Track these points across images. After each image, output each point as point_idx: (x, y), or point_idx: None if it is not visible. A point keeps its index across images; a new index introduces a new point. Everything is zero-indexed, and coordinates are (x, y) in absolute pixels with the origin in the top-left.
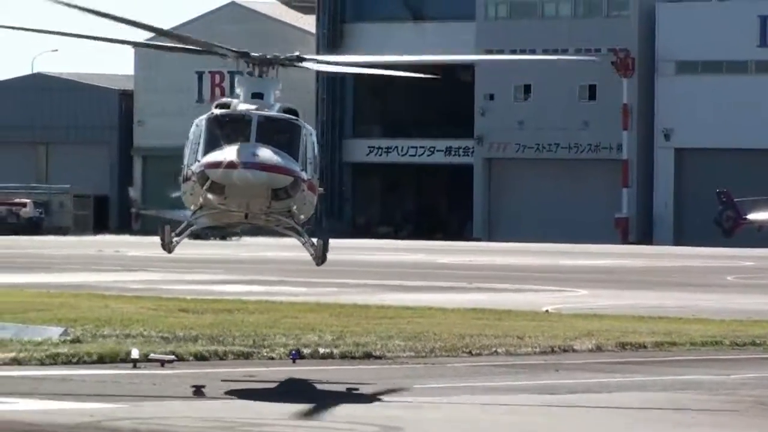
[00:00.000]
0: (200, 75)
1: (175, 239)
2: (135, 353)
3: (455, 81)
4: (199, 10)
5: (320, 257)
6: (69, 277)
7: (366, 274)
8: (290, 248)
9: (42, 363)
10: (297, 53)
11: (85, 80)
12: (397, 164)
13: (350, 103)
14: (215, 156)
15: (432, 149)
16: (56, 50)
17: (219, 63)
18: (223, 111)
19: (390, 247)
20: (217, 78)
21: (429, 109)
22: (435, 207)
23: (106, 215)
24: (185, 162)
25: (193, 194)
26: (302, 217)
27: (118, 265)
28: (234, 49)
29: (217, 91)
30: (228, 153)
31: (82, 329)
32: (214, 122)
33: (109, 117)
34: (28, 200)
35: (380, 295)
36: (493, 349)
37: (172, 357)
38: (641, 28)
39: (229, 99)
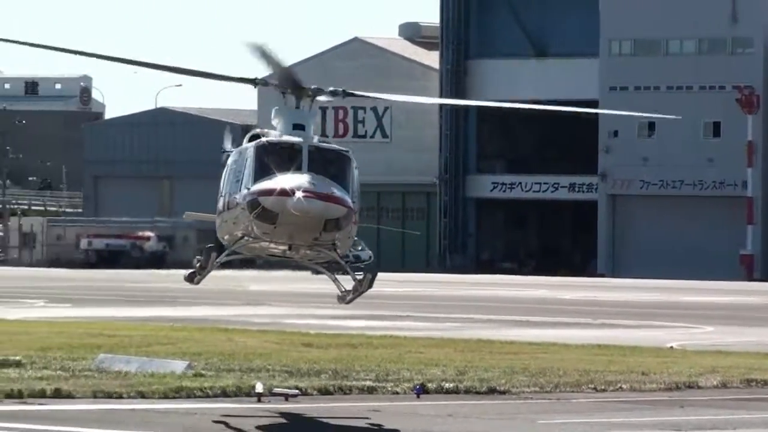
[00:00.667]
0: (324, 110)
1: (209, 271)
2: (259, 387)
3: (579, 117)
4: (321, 46)
5: (361, 292)
6: (193, 310)
7: (490, 310)
8: (411, 284)
9: (166, 396)
10: (342, 89)
11: (207, 114)
12: (521, 200)
13: (473, 139)
14: (269, 184)
15: (556, 185)
16: (180, 85)
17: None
18: (273, 139)
19: (514, 283)
20: (341, 113)
21: (552, 145)
22: (558, 243)
23: None
24: (225, 191)
25: (236, 223)
26: (341, 250)
27: (242, 299)
28: (275, 82)
29: (341, 126)
30: (283, 181)
31: (206, 363)
32: (263, 150)
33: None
34: (152, 234)
35: (504, 330)
36: (618, 385)
37: (297, 391)
38: (766, 65)
39: (263, 130)
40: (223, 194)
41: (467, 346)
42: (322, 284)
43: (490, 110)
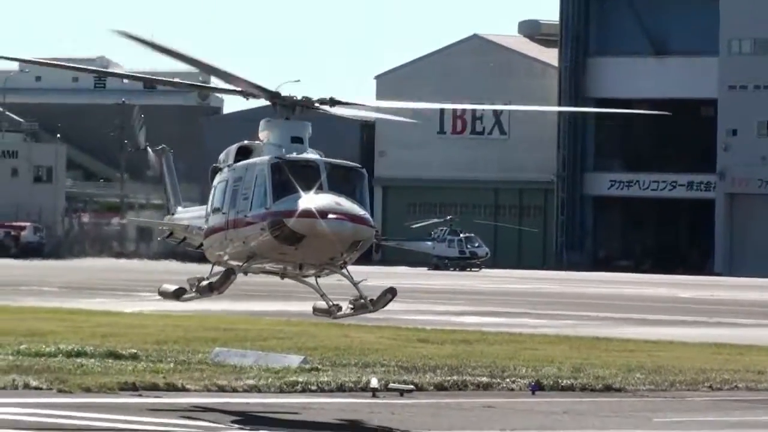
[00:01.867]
0: (442, 108)
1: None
2: (374, 382)
3: (697, 115)
4: (440, 42)
5: (371, 310)
6: (308, 305)
7: (606, 307)
8: (528, 281)
9: (281, 391)
10: (330, 96)
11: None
12: (638, 198)
13: (591, 136)
14: (295, 204)
15: (674, 184)
16: (298, 80)
17: (461, 95)
18: (288, 156)
19: (630, 281)
20: (459, 110)
21: (670, 143)
22: (675, 241)
23: None
24: (225, 208)
25: (245, 242)
26: (348, 266)
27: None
28: (266, 88)
29: (458, 123)
30: (310, 201)
31: (321, 358)
32: (279, 168)
33: (350, 147)
34: None
35: (621, 328)
36: (734, 383)
37: (412, 387)
38: None
39: (251, 142)
40: (220, 211)
41: (583, 344)
42: (439, 280)
43: (609, 107)
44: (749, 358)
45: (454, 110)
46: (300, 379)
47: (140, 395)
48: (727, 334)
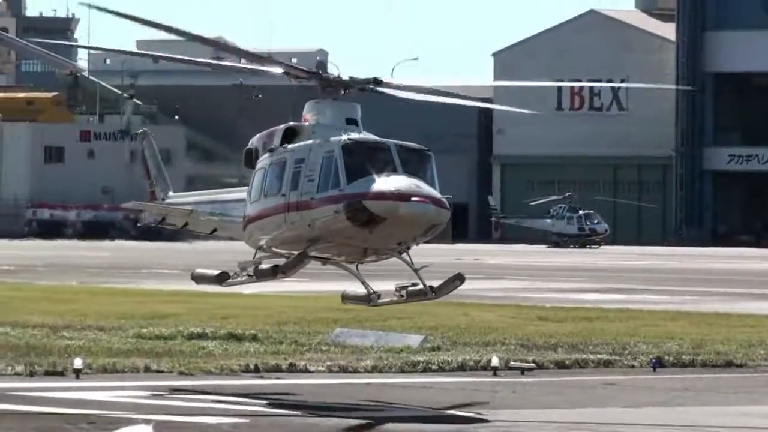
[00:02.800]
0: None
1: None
2: (495, 361)
3: None
4: (557, 18)
5: (429, 298)
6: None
7: (727, 283)
8: (647, 257)
9: (402, 371)
10: (374, 77)
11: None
12: (759, 172)
13: (710, 111)
14: (375, 186)
15: None
16: (416, 58)
17: (577, 71)
18: (358, 138)
19: (751, 256)
20: (576, 86)
21: None
22: None
23: (465, 223)
24: (283, 189)
25: (311, 225)
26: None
27: (478, 274)
28: (307, 69)
29: (576, 99)
30: (389, 183)
31: (441, 337)
32: (350, 150)
33: (467, 126)
34: None
35: (742, 303)
36: None
37: (533, 365)
38: None
39: (297, 124)
40: (275, 194)
41: (704, 320)
42: (558, 257)
43: (728, 81)
44: None
45: (572, 87)
46: (421, 359)
47: (262, 377)
48: None
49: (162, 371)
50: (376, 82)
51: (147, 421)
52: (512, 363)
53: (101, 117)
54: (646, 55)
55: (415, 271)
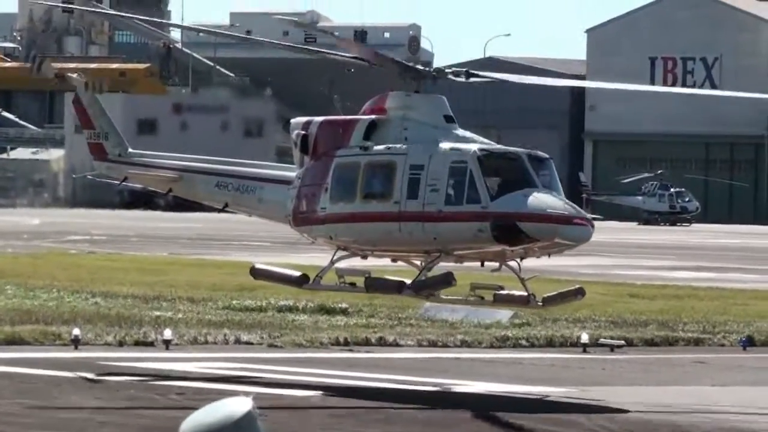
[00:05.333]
0: (653, 60)
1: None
2: (585, 337)
3: None
4: None
5: (555, 304)
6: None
7: None
8: (739, 236)
9: (491, 346)
10: (465, 69)
11: (536, 65)
12: None
13: None
14: (526, 205)
15: None
16: (509, 35)
17: (672, 49)
18: (492, 148)
19: None
20: (670, 64)
21: None
22: None
23: None
24: (405, 198)
25: (437, 238)
26: None
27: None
28: (403, 62)
29: (669, 76)
30: (545, 203)
31: (531, 312)
32: (486, 163)
33: (560, 102)
34: None
35: None
36: None
37: (622, 342)
38: None
39: (379, 117)
40: (381, 198)
41: None
42: (649, 235)
43: None
44: None
45: (665, 64)
46: (510, 334)
47: (351, 350)
48: None
49: (251, 343)
50: (468, 74)
51: (247, 393)
52: (602, 340)
53: (194, 89)
54: (740, 34)
55: (522, 281)
